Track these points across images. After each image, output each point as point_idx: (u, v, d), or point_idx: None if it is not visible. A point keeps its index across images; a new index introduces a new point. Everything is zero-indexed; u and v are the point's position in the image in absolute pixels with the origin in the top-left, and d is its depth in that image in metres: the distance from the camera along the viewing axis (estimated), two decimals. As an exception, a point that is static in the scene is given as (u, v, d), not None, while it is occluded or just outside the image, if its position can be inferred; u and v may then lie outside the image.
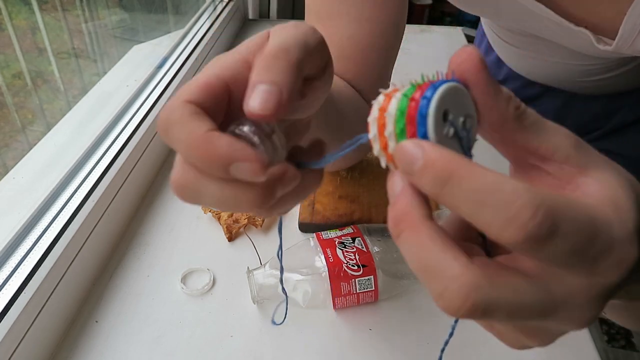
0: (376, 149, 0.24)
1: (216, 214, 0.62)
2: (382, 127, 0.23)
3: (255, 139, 0.25)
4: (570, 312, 0.21)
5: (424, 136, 0.22)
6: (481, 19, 0.88)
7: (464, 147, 0.23)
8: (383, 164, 0.24)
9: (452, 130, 0.23)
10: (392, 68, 0.61)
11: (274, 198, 0.25)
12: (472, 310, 0.20)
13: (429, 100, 0.22)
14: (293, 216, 0.63)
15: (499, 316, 0.20)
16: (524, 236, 0.19)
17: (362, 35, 0.54)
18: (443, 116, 0.22)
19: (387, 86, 0.61)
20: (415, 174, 0.21)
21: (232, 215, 0.61)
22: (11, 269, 0.47)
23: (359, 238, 0.52)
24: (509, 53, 0.80)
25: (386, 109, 0.23)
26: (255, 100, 0.24)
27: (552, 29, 0.56)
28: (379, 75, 0.58)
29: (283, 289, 0.39)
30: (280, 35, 0.27)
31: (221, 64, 0.27)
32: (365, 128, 0.24)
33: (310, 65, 0.28)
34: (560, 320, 0.22)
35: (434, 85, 0.23)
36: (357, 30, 0.54)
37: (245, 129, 0.25)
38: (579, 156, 0.23)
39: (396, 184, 0.23)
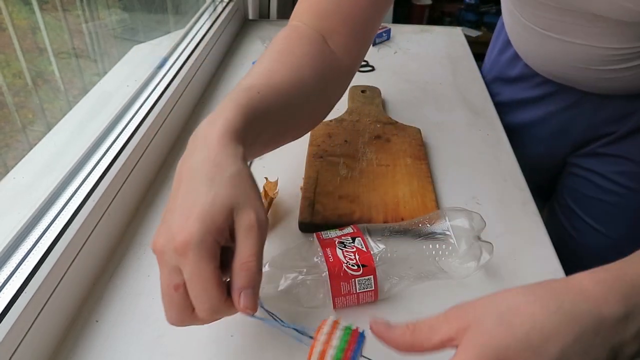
0: None
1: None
2: None
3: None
4: None
5: None
6: (502, 8, 0.87)
7: None
8: None
9: None
10: (376, 30, 0.65)
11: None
12: None
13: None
14: (293, 216, 0.63)
15: None
16: None
17: None
18: None
19: (367, 46, 0.64)
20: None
21: (232, 215, 0.61)
22: (12, 269, 0.47)
23: (359, 238, 0.52)
24: (532, 40, 0.78)
25: (326, 352, 0.38)
26: (246, 302, 0.39)
27: None
28: (361, 32, 0.62)
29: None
30: (251, 245, 0.39)
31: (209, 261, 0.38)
32: None
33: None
34: None
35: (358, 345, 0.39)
36: None
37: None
38: (460, 324, 0.36)
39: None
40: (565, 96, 0.82)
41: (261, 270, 0.40)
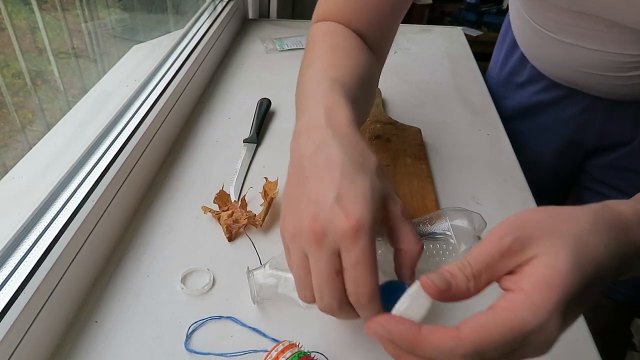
0: None
1: (216, 214, 0.62)
2: None
3: None
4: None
5: None
6: (510, 9, 0.86)
7: None
8: None
9: None
10: (400, 21, 0.66)
11: None
12: None
13: None
14: (293, 216, 0.63)
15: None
16: None
17: None
18: None
19: (392, 38, 0.66)
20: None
21: (232, 215, 0.61)
22: (11, 269, 0.47)
23: (359, 238, 0.52)
24: (542, 44, 0.76)
25: None
26: (407, 274, 0.43)
27: None
28: (389, 25, 0.64)
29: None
30: (408, 233, 0.43)
31: (365, 206, 0.39)
32: None
33: None
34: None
35: None
36: None
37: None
38: (524, 257, 0.32)
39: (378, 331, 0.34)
40: (577, 101, 0.80)
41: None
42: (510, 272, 0.33)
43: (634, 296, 0.90)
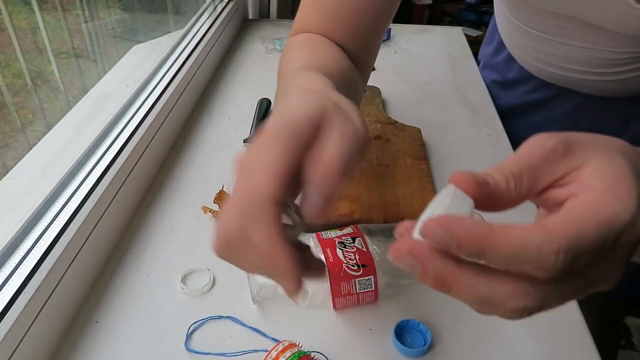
0: None
1: (216, 214, 0.62)
2: None
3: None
4: (601, 280, 0.26)
5: None
6: (495, 9, 0.86)
7: None
8: None
9: None
10: (383, 35, 0.63)
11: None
12: (530, 314, 0.25)
13: None
14: (293, 216, 0.63)
15: (550, 307, 0.25)
16: (552, 275, 0.23)
17: None
18: None
19: (376, 52, 0.64)
20: (452, 250, 0.24)
21: (232, 215, 0.61)
22: (11, 269, 0.47)
23: (359, 238, 0.52)
24: (528, 44, 0.77)
25: None
26: (310, 211, 0.31)
27: (589, 1, 0.56)
28: (371, 39, 0.61)
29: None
30: (340, 141, 0.31)
31: (274, 155, 0.31)
32: None
33: (357, 161, 0.33)
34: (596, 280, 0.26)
35: None
36: None
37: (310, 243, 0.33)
38: (573, 161, 0.27)
39: (409, 261, 0.25)
40: (567, 100, 0.81)
41: (341, 181, 0.31)
42: (560, 185, 0.27)
43: (628, 291, 0.90)
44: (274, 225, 0.30)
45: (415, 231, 0.26)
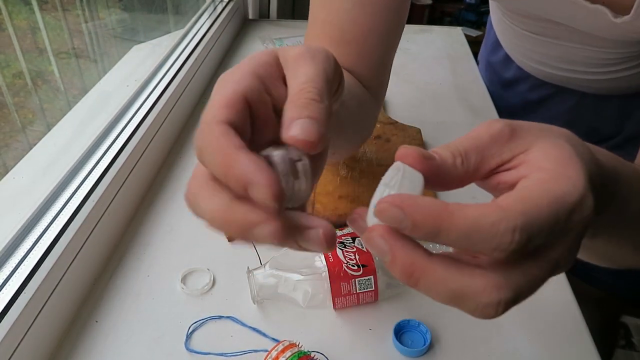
0: None
1: (216, 214, 0.62)
2: None
3: (281, 165, 0.26)
4: (559, 262, 0.25)
5: None
6: (491, 12, 0.87)
7: None
8: None
9: None
10: (394, 55, 0.61)
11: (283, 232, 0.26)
12: (505, 309, 0.24)
13: None
14: (293, 216, 0.63)
15: (523, 297, 0.24)
16: (508, 254, 0.23)
17: (364, 19, 0.54)
18: None
19: (387, 74, 0.61)
20: (407, 230, 0.23)
21: (232, 215, 0.61)
22: (11, 269, 0.47)
23: (359, 238, 0.52)
24: (522, 44, 0.77)
25: None
26: (296, 130, 0.26)
27: (566, 9, 0.56)
28: (379, 61, 0.58)
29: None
30: (306, 71, 0.28)
31: (233, 80, 0.28)
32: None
33: (329, 93, 0.29)
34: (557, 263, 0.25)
35: None
36: (359, 13, 0.54)
37: (276, 153, 0.26)
38: (519, 144, 0.27)
39: (380, 244, 0.24)
40: (564, 99, 0.82)
41: (323, 102, 0.27)
42: (508, 169, 0.27)
43: (626, 287, 0.91)
44: (224, 136, 0.25)
45: (368, 215, 0.25)
